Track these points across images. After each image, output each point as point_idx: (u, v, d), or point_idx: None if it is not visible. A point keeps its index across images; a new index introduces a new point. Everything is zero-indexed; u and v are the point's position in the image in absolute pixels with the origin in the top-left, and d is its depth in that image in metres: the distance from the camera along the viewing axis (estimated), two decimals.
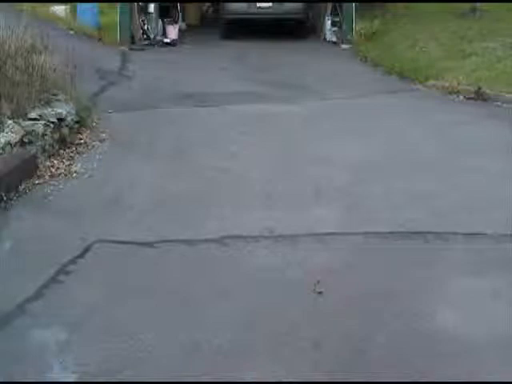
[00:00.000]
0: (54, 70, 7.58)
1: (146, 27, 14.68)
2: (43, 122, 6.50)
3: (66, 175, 6.11)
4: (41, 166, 6.11)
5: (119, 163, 6.57)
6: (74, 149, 6.82)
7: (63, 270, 4.33)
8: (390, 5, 15.21)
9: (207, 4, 18.49)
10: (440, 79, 10.29)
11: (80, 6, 14.32)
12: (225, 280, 4.25)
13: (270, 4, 14.91)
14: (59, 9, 14.38)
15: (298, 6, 14.97)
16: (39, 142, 6.28)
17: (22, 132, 6.17)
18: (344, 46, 14.01)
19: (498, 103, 9.18)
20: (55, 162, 6.36)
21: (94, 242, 4.75)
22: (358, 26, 14.01)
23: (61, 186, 5.85)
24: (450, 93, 9.81)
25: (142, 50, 13.83)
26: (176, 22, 15.26)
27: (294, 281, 4.20)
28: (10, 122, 6.21)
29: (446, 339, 3.58)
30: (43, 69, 7.34)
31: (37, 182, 5.88)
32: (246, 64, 12.38)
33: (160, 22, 15.09)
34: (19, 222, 5.10)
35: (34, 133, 6.27)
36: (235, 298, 4.03)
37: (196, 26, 17.04)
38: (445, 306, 3.92)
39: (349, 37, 14.12)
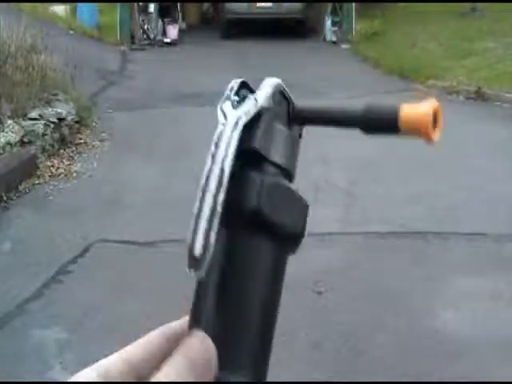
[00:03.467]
0: (54, 70, 7.59)
1: (145, 27, 14.69)
2: (43, 122, 6.50)
3: (66, 175, 6.11)
4: (41, 166, 6.12)
5: (119, 163, 6.57)
6: (74, 149, 6.83)
7: (63, 270, 4.33)
8: (389, 5, 15.23)
9: (207, 4, 18.51)
10: (440, 79, 10.31)
11: (80, 5, 14.34)
12: None
13: (270, 4, 14.94)
14: (59, 9, 14.41)
15: (298, 5, 14.99)
16: (39, 142, 6.28)
17: (22, 132, 6.18)
18: (344, 46, 14.03)
19: (498, 103, 9.19)
20: (55, 161, 6.36)
21: (94, 241, 4.76)
22: (358, 25, 14.04)
23: (61, 186, 5.85)
24: (450, 93, 9.82)
25: (142, 49, 13.85)
26: (176, 22, 15.29)
27: (293, 280, 4.20)
28: (10, 121, 6.21)
29: (446, 339, 3.58)
30: (43, 69, 7.35)
31: (37, 181, 5.88)
32: (246, 64, 12.39)
33: (160, 21, 15.12)
34: (19, 222, 5.11)
35: (33, 133, 6.28)
36: None
37: (196, 26, 17.06)
38: (445, 305, 3.93)
39: (349, 37, 14.15)
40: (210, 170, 0.51)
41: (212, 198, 0.51)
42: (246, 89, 0.56)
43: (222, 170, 0.51)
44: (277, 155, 0.54)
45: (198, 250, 0.51)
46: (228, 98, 0.54)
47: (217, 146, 0.51)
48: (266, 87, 0.56)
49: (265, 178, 0.52)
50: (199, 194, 0.52)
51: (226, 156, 0.51)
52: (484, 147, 7.04)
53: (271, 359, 0.45)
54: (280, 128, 0.55)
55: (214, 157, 0.51)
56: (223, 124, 0.52)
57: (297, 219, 0.54)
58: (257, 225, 0.52)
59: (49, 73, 7.45)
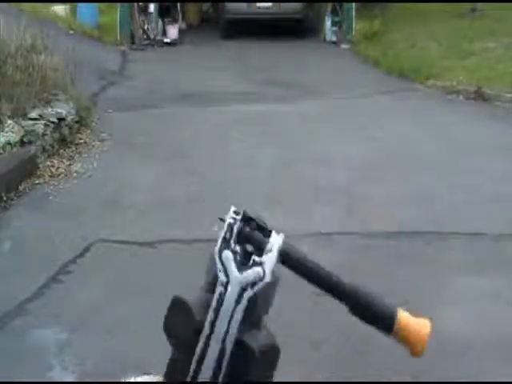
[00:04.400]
0: (54, 70, 7.59)
1: (145, 27, 14.69)
2: (43, 122, 6.50)
3: (66, 175, 6.11)
4: (41, 166, 6.12)
5: (119, 163, 6.57)
6: (74, 149, 6.83)
7: (63, 270, 4.33)
8: (390, 5, 15.22)
9: (207, 4, 18.50)
10: (440, 79, 10.30)
11: (80, 5, 14.33)
12: None
13: (270, 4, 14.94)
14: (59, 9, 14.39)
15: (298, 5, 14.99)
16: (39, 142, 6.28)
17: (22, 132, 6.18)
18: (344, 46, 14.02)
19: (498, 103, 9.19)
20: (55, 161, 6.36)
21: (94, 241, 4.76)
22: (358, 25, 14.03)
23: (61, 186, 5.85)
24: (450, 93, 9.82)
25: (142, 49, 13.85)
26: (176, 22, 15.28)
27: (293, 281, 4.19)
28: (10, 121, 6.21)
29: (445, 339, 3.57)
30: (43, 69, 7.35)
31: (37, 181, 5.88)
32: (245, 64, 12.39)
33: (160, 21, 15.11)
34: (19, 222, 5.10)
35: (33, 132, 6.27)
36: None
37: (196, 26, 17.06)
38: (445, 305, 3.92)
39: (349, 37, 14.15)
40: (207, 343, 0.46)
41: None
42: (246, 225, 0.50)
43: (223, 352, 0.46)
44: (267, 308, 0.51)
45: None
46: (227, 244, 0.48)
47: (216, 313, 0.45)
48: (273, 252, 0.51)
49: (259, 346, 0.49)
50: (193, 365, 0.48)
51: (227, 334, 0.46)
52: (484, 147, 7.04)
53: None
54: (277, 278, 0.52)
55: (212, 326, 0.46)
56: (223, 285, 0.46)
57: (272, 371, 0.53)
58: None
59: (49, 73, 7.44)
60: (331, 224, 5.13)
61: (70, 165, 6.36)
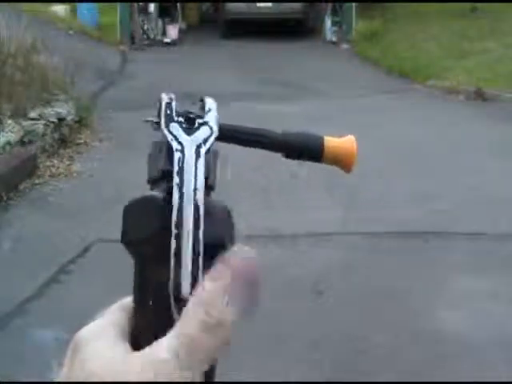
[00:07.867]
0: (54, 70, 7.59)
1: (145, 27, 14.70)
2: (43, 122, 6.50)
3: (66, 175, 6.11)
4: (41, 166, 6.12)
5: (119, 163, 6.57)
6: (73, 149, 6.83)
7: (63, 270, 4.33)
8: (389, 5, 15.23)
9: (207, 4, 18.52)
10: (440, 79, 10.31)
11: (80, 5, 14.34)
12: None
13: (270, 4, 14.96)
14: (59, 9, 14.40)
15: (298, 6, 15.02)
16: (39, 142, 6.28)
17: (22, 132, 6.18)
18: (344, 46, 14.04)
19: (498, 103, 9.19)
20: (55, 161, 6.36)
21: (94, 241, 4.75)
22: (358, 25, 14.05)
23: (61, 186, 5.85)
24: (450, 93, 9.82)
25: (142, 49, 13.86)
26: (176, 22, 15.30)
27: (293, 281, 4.20)
28: (9, 121, 6.21)
29: (445, 339, 3.58)
30: (43, 69, 7.35)
31: (37, 181, 5.88)
32: (245, 64, 12.39)
33: (160, 21, 15.12)
34: (19, 222, 5.10)
35: (33, 132, 6.28)
36: None
37: (196, 26, 17.07)
38: (445, 305, 3.92)
39: (349, 37, 14.16)
40: (181, 204, 0.50)
41: (192, 236, 0.49)
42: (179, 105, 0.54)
43: (197, 207, 0.49)
44: (213, 179, 0.55)
45: (186, 289, 0.48)
46: (171, 118, 0.52)
47: (180, 175, 0.49)
48: (213, 111, 0.56)
49: (218, 211, 0.53)
50: (174, 230, 0.50)
51: (196, 190, 0.49)
52: (484, 147, 7.04)
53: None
54: (215, 150, 0.55)
55: (181, 189, 0.49)
56: (179, 150, 0.50)
57: (233, 234, 0.55)
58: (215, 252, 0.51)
59: (49, 73, 7.45)
60: (330, 224, 5.12)
61: (69, 165, 6.35)
